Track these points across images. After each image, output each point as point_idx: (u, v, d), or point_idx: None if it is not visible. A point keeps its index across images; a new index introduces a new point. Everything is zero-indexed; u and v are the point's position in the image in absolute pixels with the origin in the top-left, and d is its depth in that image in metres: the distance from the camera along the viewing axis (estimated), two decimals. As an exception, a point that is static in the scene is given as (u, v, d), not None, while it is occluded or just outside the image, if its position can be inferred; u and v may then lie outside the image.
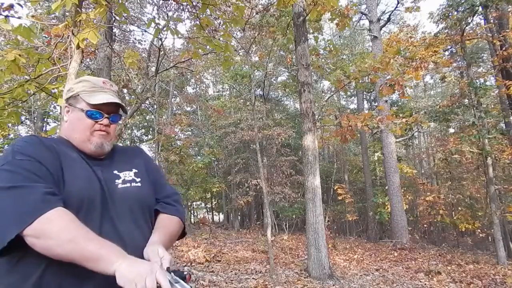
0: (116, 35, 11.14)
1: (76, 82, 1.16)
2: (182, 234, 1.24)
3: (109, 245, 0.86)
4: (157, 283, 0.80)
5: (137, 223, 1.07)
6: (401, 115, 12.39)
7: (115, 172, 1.11)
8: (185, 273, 0.88)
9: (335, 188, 15.02)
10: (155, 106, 15.47)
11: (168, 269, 0.88)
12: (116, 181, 1.09)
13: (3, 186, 0.86)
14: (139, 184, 1.14)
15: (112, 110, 1.13)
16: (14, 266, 0.89)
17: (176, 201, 1.22)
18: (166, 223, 1.13)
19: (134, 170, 1.16)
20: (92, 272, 0.84)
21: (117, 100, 1.12)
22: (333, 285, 5.98)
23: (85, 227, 0.88)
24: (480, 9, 10.08)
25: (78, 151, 1.09)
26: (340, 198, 14.45)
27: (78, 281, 0.90)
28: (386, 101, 12.43)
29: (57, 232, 0.82)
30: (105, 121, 1.11)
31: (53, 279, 0.89)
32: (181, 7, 9.76)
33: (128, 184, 1.11)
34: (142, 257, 0.97)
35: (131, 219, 1.05)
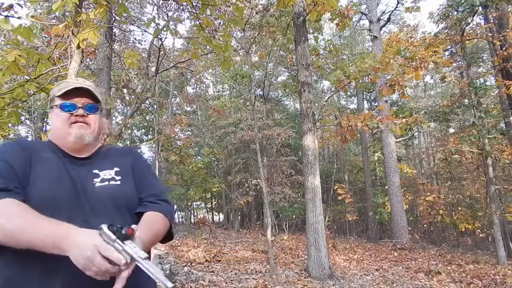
0: (116, 35, 11.14)
1: (52, 89, 1.18)
2: (169, 237, 1.16)
3: (52, 229, 0.84)
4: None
5: (114, 222, 1.02)
6: (401, 115, 12.38)
7: (95, 171, 1.09)
8: (123, 230, 0.82)
9: (335, 188, 15.03)
10: (155, 106, 15.47)
11: (112, 230, 0.82)
12: (94, 180, 1.07)
13: None
14: (118, 183, 1.10)
15: (86, 101, 1.12)
16: None
17: (162, 200, 1.15)
18: (146, 220, 1.05)
19: (115, 169, 1.13)
20: (58, 266, 0.87)
21: (84, 86, 1.11)
22: (333, 285, 5.98)
23: (30, 214, 0.88)
24: (480, 9, 10.08)
25: (59, 152, 1.09)
26: (340, 198, 14.45)
27: (45, 275, 0.90)
28: (386, 101, 12.43)
29: (1, 224, 0.85)
30: (80, 111, 1.10)
31: (21, 273, 0.91)
32: (181, 7, 9.75)
33: (106, 183, 1.08)
34: None
35: (107, 218, 0.98)
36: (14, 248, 0.86)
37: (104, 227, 0.82)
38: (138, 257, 0.78)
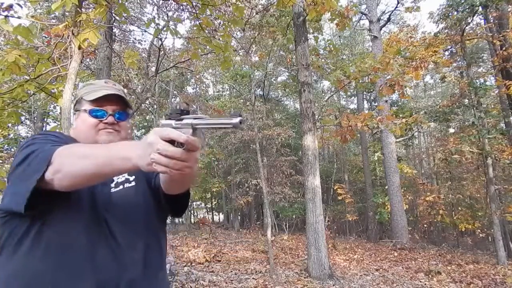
0: (116, 35, 11.14)
1: (79, 88, 1.13)
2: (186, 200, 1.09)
3: (114, 146, 0.81)
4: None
5: (138, 232, 0.99)
6: (401, 115, 12.38)
7: None
8: (180, 106, 0.77)
9: (335, 188, 15.02)
10: (155, 106, 15.47)
11: (168, 116, 0.78)
12: (111, 185, 1.02)
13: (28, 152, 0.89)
14: (133, 184, 1.06)
15: (117, 108, 1.07)
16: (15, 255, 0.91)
17: None
18: None
19: None
20: (85, 273, 0.88)
21: (117, 92, 1.06)
22: (333, 285, 5.98)
23: (89, 144, 0.90)
24: (480, 9, 10.08)
25: None
26: (340, 198, 14.44)
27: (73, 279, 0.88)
28: (386, 101, 12.43)
29: (68, 156, 0.81)
30: (110, 119, 1.05)
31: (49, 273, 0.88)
32: (181, 7, 9.75)
33: (121, 187, 1.03)
34: (147, 278, 0.98)
35: (130, 229, 0.98)
36: (52, 242, 0.88)
37: (162, 120, 0.79)
38: (198, 121, 0.72)
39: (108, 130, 1.04)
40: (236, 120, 0.67)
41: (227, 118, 0.68)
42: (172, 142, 0.68)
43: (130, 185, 1.05)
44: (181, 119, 0.75)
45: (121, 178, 1.05)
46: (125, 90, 1.16)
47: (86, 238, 0.91)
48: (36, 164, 0.82)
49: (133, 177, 1.07)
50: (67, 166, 0.78)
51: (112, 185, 1.03)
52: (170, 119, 0.77)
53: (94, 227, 0.93)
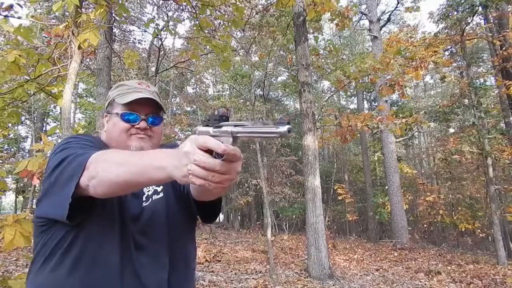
0: (116, 35, 11.14)
1: (112, 89, 1.09)
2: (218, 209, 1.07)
3: (148, 155, 0.76)
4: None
5: (163, 251, 0.96)
6: (401, 115, 12.38)
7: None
8: (219, 112, 0.70)
9: (335, 188, 15.03)
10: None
11: (206, 122, 0.73)
12: (142, 198, 0.99)
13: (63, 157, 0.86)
14: (161, 195, 1.02)
15: (150, 111, 1.02)
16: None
17: None
18: None
19: None
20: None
21: (151, 96, 1.01)
22: (333, 285, 5.98)
23: (125, 151, 0.89)
24: (480, 9, 10.08)
25: None
26: (340, 198, 14.45)
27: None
28: (386, 101, 12.43)
29: (103, 162, 0.77)
30: (142, 124, 1.00)
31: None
32: (181, 7, 9.76)
33: (150, 201, 1.00)
34: None
35: (156, 247, 0.95)
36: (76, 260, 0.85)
37: (199, 126, 0.73)
38: (238, 129, 0.65)
39: (140, 135, 1.00)
40: (283, 128, 0.57)
41: (273, 126, 0.59)
42: (210, 151, 0.63)
43: (158, 196, 1.02)
44: (220, 126, 0.69)
45: (151, 191, 1.02)
46: (154, 89, 1.09)
47: (119, 256, 0.88)
48: (72, 169, 0.80)
49: (161, 187, 1.04)
50: (101, 172, 0.75)
51: (144, 198, 0.99)
52: (207, 125, 0.72)
53: (125, 243, 0.90)
